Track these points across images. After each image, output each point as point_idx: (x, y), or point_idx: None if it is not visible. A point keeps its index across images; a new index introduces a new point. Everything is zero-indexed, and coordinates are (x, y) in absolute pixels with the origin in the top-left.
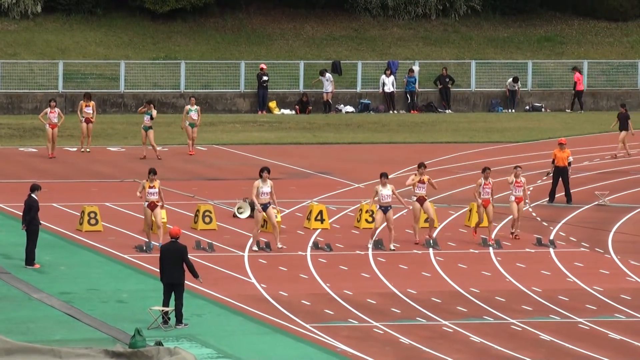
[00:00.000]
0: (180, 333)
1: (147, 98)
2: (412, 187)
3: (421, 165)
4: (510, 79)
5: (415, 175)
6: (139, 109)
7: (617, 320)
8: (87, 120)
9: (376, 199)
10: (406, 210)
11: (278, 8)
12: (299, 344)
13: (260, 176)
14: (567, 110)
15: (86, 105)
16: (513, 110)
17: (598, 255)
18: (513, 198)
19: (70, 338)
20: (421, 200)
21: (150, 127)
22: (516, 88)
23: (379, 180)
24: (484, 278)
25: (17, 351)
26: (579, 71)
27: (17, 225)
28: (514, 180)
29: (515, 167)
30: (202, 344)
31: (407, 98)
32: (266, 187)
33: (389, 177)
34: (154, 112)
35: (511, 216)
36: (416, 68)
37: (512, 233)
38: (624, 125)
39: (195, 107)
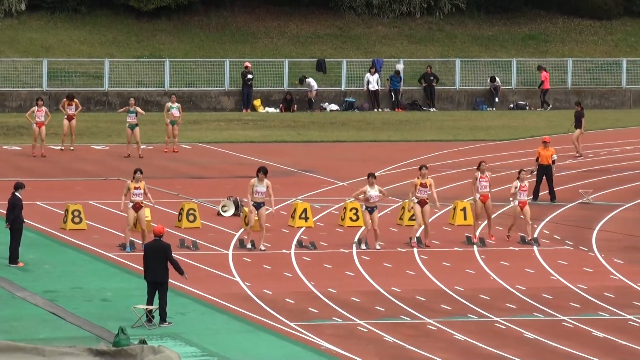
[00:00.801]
0: (164, 331)
1: (132, 96)
2: (413, 189)
3: (422, 167)
4: (489, 79)
5: (417, 178)
6: (120, 110)
7: (600, 318)
8: (70, 118)
9: (361, 197)
10: (390, 209)
11: (262, 6)
12: (283, 343)
13: (257, 176)
14: (542, 110)
15: (68, 105)
16: (494, 108)
17: (582, 253)
18: (517, 202)
19: (54, 336)
20: (422, 203)
21: (136, 125)
22: (497, 84)
23: (365, 179)
24: (468, 276)
25: (1, 350)
26: (545, 69)
27: (1, 224)
28: (519, 184)
29: (520, 171)
30: (186, 343)
31: (392, 96)
32: (261, 187)
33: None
34: (139, 109)
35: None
36: (400, 66)
37: (507, 235)
38: (578, 123)
39: (177, 104)
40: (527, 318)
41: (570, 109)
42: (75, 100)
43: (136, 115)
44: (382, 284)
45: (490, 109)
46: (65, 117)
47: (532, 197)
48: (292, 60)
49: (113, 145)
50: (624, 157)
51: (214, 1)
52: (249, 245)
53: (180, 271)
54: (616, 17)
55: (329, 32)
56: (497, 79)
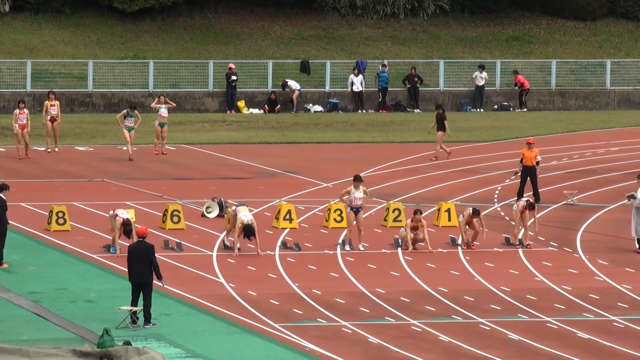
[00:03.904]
0: (148, 333)
1: (116, 97)
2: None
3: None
4: (477, 71)
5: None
6: (118, 116)
7: (585, 319)
8: (52, 119)
9: (346, 197)
10: (375, 210)
11: (246, 7)
12: (268, 344)
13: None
14: (522, 110)
15: (51, 105)
16: (481, 110)
17: (566, 255)
18: (516, 207)
19: (39, 338)
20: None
21: (132, 128)
22: (483, 78)
23: (351, 180)
24: (452, 277)
25: None
26: (518, 72)
27: None
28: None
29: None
30: (171, 344)
31: (379, 96)
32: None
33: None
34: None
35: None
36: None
37: (520, 243)
38: (440, 126)
39: (165, 105)
40: (511, 319)
41: (554, 111)
42: (57, 101)
43: (134, 119)
44: (366, 285)
45: (475, 110)
46: (49, 118)
47: (516, 198)
48: (276, 62)
49: (97, 146)
50: (608, 158)
51: (197, 2)
52: (235, 250)
53: (159, 276)
54: (600, 18)
55: (312, 34)
56: (485, 72)
